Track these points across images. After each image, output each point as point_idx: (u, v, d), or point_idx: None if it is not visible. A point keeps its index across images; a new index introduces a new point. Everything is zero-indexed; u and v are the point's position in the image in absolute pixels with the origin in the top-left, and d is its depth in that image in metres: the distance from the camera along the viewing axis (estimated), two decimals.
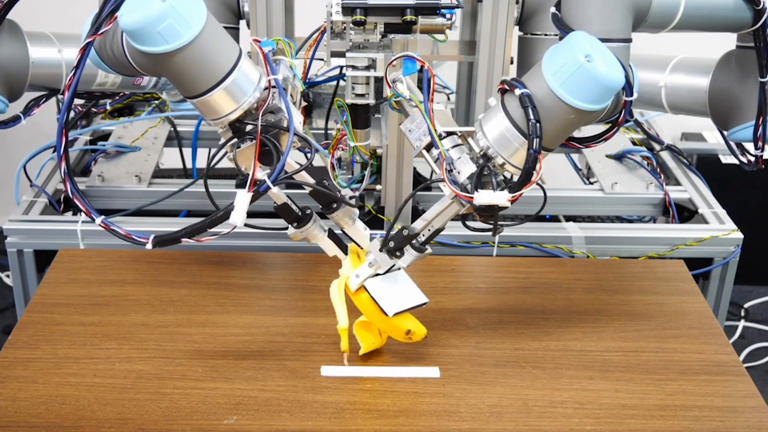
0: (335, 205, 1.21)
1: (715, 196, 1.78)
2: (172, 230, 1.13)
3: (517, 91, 1.10)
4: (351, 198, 1.22)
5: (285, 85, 1.19)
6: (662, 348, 1.30)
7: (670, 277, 1.48)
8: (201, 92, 1.09)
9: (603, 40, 1.11)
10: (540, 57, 1.65)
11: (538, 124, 1.08)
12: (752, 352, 2.48)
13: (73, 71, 1.10)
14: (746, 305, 2.62)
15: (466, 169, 1.14)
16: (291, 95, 1.19)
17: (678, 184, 1.83)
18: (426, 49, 1.65)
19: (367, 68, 1.34)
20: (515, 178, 1.14)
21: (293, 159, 1.16)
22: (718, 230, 1.64)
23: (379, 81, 1.40)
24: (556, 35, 1.61)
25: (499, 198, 1.12)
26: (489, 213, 1.15)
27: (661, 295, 1.43)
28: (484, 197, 1.12)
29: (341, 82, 1.53)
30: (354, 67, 1.34)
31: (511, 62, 1.63)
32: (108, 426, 1.11)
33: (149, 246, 1.12)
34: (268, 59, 1.14)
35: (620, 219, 1.90)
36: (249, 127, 1.12)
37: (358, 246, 1.25)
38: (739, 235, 1.63)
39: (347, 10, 1.29)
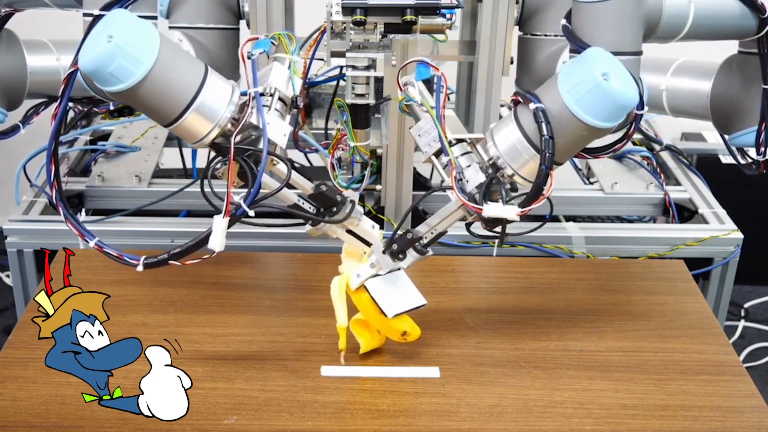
0: (335, 209, 1.20)
1: (715, 196, 1.78)
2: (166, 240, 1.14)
3: (532, 106, 1.09)
4: (350, 201, 1.20)
5: (272, 92, 1.16)
6: (662, 348, 1.30)
7: (670, 277, 1.48)
8: (173, 119, 1.09)
9: (614, 53, 1.11)
10: (540, 57, 1.66)
11: (551, 140, 1.08)
12: (752, 352, 2.47)
13: (59, 102, 1.10)
14: (746, 305, 2.61)
15: (475, 178, 1.14)
16: (282, 100, 1.17)
17: (678, 184, 1.83)
18: (426, 49, 1.65)
19: (367, 68, 1.34)
20: (520, 187, 1.14)
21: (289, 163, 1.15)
22: (718, 230, 1.64)
23: (379, 81, 1.40)
24: (556, 36, 1.62)
25: (509, 212, 1.12)
26: (496, 224, 1.15)
27: (661, 295, 1.43)
28: (493, 210, 1.12)
29: (341, 82, 1.53)
30: (354, 67, 1.33)
31: (511, 62, 1.63)
32: (108, 426, 1.11)
33: (140, 268, 1.14)
34: (253, 69, 1.12)
35: (620, 219, 1.90)
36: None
37: (368, 244, 1.24)
38: (739, 235, 1.63)
39: (347, 10, 1.29)
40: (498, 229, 1.16)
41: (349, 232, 1.23)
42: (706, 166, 2.15)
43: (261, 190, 1.10)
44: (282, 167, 1.14)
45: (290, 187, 1.17)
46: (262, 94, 1.15)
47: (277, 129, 1.13)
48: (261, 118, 1.10)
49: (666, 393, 1.21)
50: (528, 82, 1.68)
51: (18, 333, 1.27)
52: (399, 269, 1.22)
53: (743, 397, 1.20)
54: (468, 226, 1.20)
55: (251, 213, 1.10)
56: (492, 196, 1.14)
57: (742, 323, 2.55)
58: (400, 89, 1.22)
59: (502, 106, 1.60)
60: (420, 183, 1.72)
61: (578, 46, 1.17)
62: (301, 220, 1.23)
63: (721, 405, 1.19)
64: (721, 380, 1.23)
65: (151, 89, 1.06)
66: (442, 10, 1.33)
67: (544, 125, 1.08)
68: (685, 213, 1.76)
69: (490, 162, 1.14)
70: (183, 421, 1.11)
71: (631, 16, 1.17)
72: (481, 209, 1.12)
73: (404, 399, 1.18)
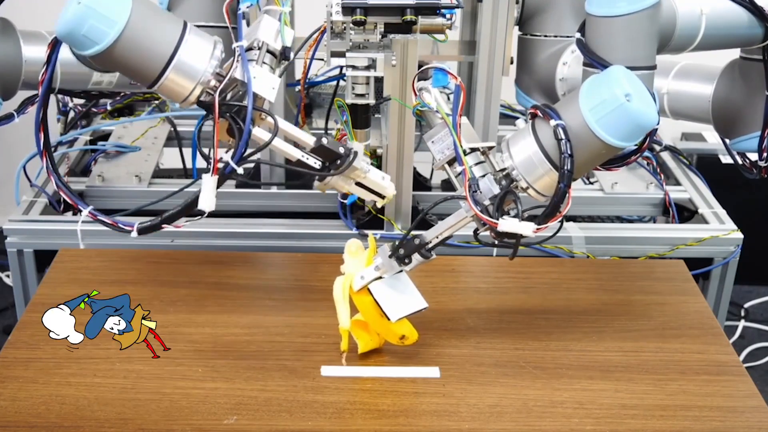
0: (339, 162, 1.15)
1: (715, 196, 1.78)
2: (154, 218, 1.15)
3: (552, 122, 1.10)
4: (353, 153, 1.15)
5: (260, 45, 1.13)
6: (662, 348, 1.30)
7: (670, 277, 1.48)
8: (154, 80, 1.07)
9: (628, 68, 1.11)
10: (540, 58, 1.66)
11: (570, 158, 1.08)
12: (752, 352, 2.47)
13: (44, 67, 1.09)
14: (746, 305, 2.61)
15: (489, 189, 1.14)
16: (272, 53, 1.14)
17: (678, 184, 1.83)
18: (426, 49, 1.65)
19: (367, 68, 1.34)
20: (531, 198, 1.14)
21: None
22: (718, 230, 1.64)
23: (379, 81, 1.40)
24: (556, 37, 1.62)
25: (525, 229, 1.11)
26: (507, 236, 1.14)
27: (661, 295, 1.43)
28: (509, 225, 1.12)
29: (341, 82, 1.53)
30: (354, 67, 1.34)
31: (511, 62, 1.63)
32: (108, 426, 1.11)
33: (134, 234, 1.13)
34: (239, 23, 1.10)
35: (620, 219, 1.90)
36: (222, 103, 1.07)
37: (381, 196, 1.21)
38: (739, 235, 1.63)
39: (347, 10, 1.29)
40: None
41: (360, 185, 1.20)
42: (706, 166, 2.15)
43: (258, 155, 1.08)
44: (271, 122, 1.11)
45: (294, 144, 1.15)
46: (249, 48, 1.12)
47: (265, 82, 1.10)
48: (246, 73, 1.08)
49: (666, 393, 1.21)
50: (528, 82, 1.69)
51: (18, 333, 1.27)
52: (401, 271, 1.22)
53: (743, 397, 1.20)
54: (476, 233, 1.19)
55: (240, 170, 1.07)
56: (504, 206, 1.14)
57: (742, 323, 2.55)
58: (415, 94, 1.21)
59: (502, 106, 1.60)
60: (420, 183, 1.72)
61: (594, 61, 1.17)
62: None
63: (721, 405, 1.19)
64: (721, 380, 1.23)
65: (127, 49, 1.04)
66: (442, 10, 1.34)
67: (564, 143, 1.08)
68: (685, 213, 1.76)
69: (504, 173, 1.14)
70: (183, 420, 1.11)
71: (646, 30, 1.16)
72: (497, 224, 1.12)
73: (404, 399, 1.18)
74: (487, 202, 1.14)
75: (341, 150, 1.15)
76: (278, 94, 1.59)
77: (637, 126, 1.08)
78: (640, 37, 1.16)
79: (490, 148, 1.18)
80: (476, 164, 1.17)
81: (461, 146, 1.14)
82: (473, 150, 1.17)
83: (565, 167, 1.09)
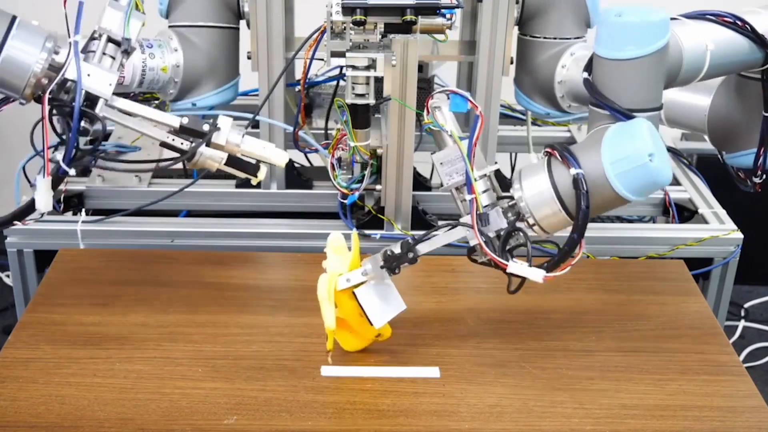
0: (206, 137, 1.13)
1: (715, 196, 1.78)
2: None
3: (573, 171, 1.10)
4: (215, 126, 1.11)
5: (100, 35, 1.09)
6: (662, 348, 1.30)
7: (670, 277, 1.48)
8: None
9: (636, 110, 1.12)
10: (540, 59, 1.66)
11: (587, 211, 1.09)
12: (752, 352, 2.47)
13: None
14: (746, 305, 2.61)
15: (496, 222, 1.15)
16: (116, 42, 1.10)
17: (678, 184, 1.83)
18: (426, 49, 1.65)
19: (367, 68, 1.35)
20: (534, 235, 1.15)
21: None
22: (718, 230, 1.64)
23: (379, 81, 1.40)
24: (555, 39, 1.62)
25: (534, 275, 1.12)
26: (515, 276, 1.14)
27: (661, 295, 1.43)
28: (518, 269, 1.13)
29: (341, 82, 1.54)
30: (354, 67, 1.34)
31: (511, 62, 1.63)
32: (108, 426, 1.11)
33: None
34: (78, 14, 1.07)
35: (620, 219, 1.90)
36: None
37: (254, 174, 1.18)
38: (739, 235, 1.63)
39: (347, 10, 1.29)
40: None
41: (232, 162, 1.16)
42: (706, 166, 2.14)
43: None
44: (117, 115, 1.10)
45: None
46: (93, 38, 1.09)
47: (100, 79, 1.07)
48: (77, 69, 1.05)
49: (666, 393, 1.21)
50: (528, 83, 1.69)
51: (18, 333, 1.27)
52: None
53: (743, 397, 1.20)
54: (470, 254, 1.19)
55: (71, 172, 1.06)
56: (509, 239, 1.15)
57: (742, 323, 2.55)
58: (428, 112, 1.21)
59: (502, 106, 1.60)
60: (420, 183, 1.72)
61: (601, 102, 1.16)
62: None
63: (721, 405, 1.19)
64: (721, 380, 1.23)
65: None
66: (442, 10, 1.34)
67: (583, 196, 1.09)
68: (685, 213, 1.76)
69: (511, 203, 1.15)
70: (183, 420, 1.11)
71: (654, 73, 1.15)
72: (507, 265, 1.13)
73: (404, 399, 1.18)
74: (492, 234, 1.15)
75: (205, 127, 1.11)
76: (278, 94, 1.60)
77: (653, 184, 1.09)
78: (648, 80, 1.15)
79: (495, 170, 1.18)
80: (485, 192, 1.17)
81: (474, 176, 1.14)
82: (482, 176, 1.16)
83: (580, 220, 1.10)
